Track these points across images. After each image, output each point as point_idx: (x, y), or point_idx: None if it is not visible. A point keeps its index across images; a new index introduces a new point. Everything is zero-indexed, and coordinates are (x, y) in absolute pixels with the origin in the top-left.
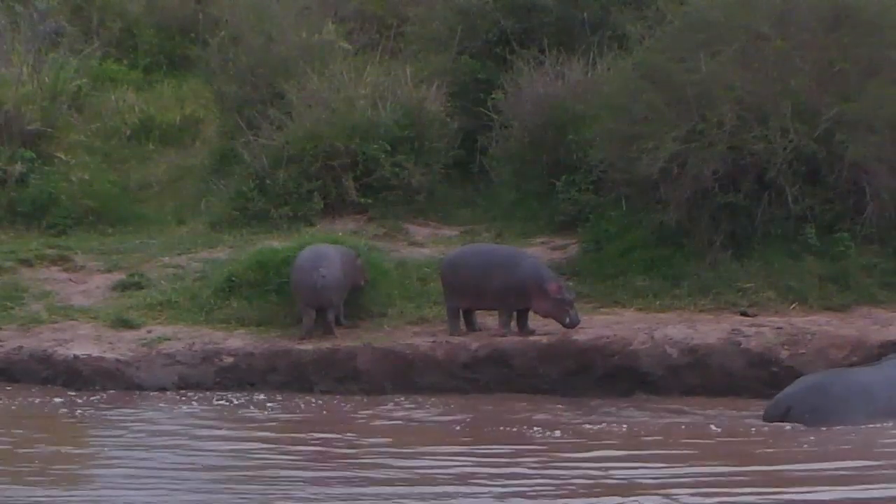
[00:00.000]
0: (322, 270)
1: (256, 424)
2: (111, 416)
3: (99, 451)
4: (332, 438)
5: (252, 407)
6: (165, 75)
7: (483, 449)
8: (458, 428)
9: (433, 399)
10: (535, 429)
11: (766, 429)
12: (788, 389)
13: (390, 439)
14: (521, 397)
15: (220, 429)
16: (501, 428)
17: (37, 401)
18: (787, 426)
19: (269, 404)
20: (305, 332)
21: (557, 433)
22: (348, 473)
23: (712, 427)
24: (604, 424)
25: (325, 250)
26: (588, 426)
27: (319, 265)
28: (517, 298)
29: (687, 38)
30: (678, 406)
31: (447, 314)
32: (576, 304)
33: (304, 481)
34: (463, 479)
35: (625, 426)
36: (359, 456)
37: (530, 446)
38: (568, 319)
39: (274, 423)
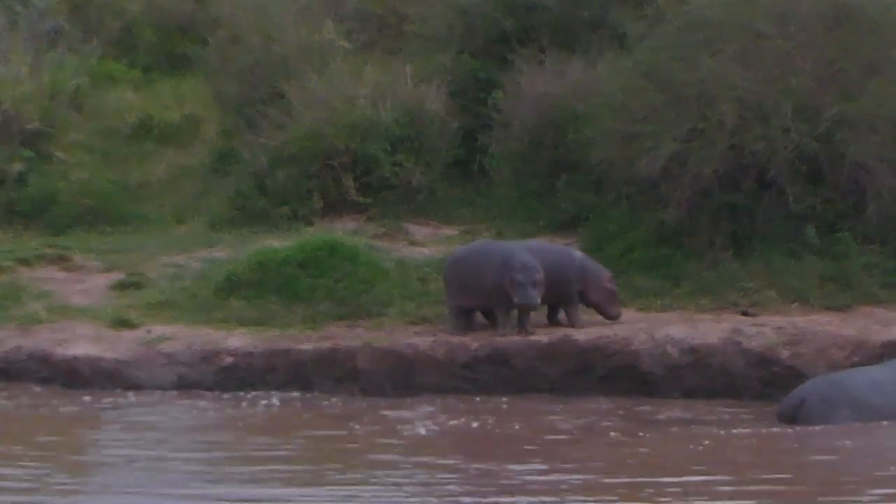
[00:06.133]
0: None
1: None
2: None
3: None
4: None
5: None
6: (165, 74)
7: None
8: None
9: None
10: None
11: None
12: (803, 385)
13: None
14: None
15: None
16: None
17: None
18: None
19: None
20: None
21: None
22: None
23: None
24: None
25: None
26: None
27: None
28: (510, 298)
29: (687, 38)
30: None
31: (448, 313)
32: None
33: None
34: None
35: None
36: None
37: None
38: (516, 299)
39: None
